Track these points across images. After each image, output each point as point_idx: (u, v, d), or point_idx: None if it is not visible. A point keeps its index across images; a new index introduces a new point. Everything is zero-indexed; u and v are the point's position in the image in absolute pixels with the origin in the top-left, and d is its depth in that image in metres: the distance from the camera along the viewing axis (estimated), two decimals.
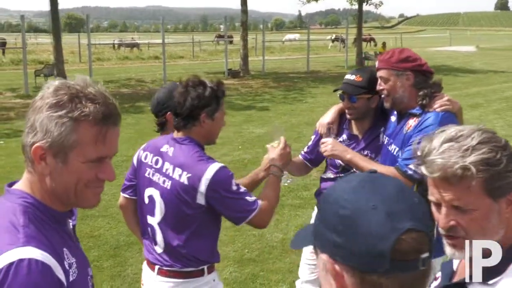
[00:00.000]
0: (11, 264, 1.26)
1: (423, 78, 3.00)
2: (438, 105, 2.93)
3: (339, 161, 3.41)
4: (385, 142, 3.23)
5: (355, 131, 3.42)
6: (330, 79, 22.56)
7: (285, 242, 5.85)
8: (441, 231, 1.48)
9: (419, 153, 1.47)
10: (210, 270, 2.77)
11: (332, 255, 1.03)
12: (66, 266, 1.38)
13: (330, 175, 3.52)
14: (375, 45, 43.48)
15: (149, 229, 2.79)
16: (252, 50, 32.79)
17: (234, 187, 2.62)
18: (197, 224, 2.66)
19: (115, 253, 5.56)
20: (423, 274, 1.03)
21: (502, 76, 24.08)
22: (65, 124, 1.37)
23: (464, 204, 1.43)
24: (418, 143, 1.50)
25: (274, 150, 2.98)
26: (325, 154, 3.17)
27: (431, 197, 1.48)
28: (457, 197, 1.42)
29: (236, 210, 2.63)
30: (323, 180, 3.62)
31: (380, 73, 3.08)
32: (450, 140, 1.42)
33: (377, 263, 0.98)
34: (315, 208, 3.75)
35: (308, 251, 3.68)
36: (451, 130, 1.45)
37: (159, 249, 2.76)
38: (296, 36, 58.65)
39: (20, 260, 1.27)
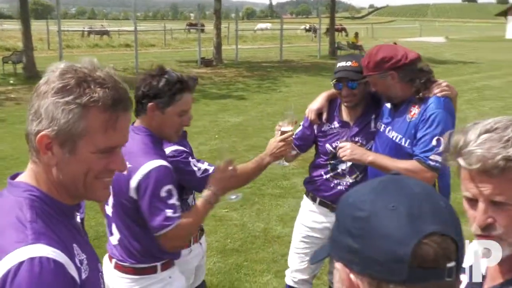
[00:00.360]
0: (21, 263, 1.16)
1: (408, 69, 2.95)
2: (439, 90, 2.92)
3: (330, 148, 3.40)
4: (381, 129, 3.20)
5: (346, 117, 3.40)
6: (303, 69, 22.55)
7: (267, 232, 5.83)
8: (475, 230, 1.40)
9: (452, 146, 1.38)
10: (165, 267, 2.66)
11: (348, 263, 0.96)
12: (78, 263, 1.29)
13: (320, 162, 3.50)
14: (346, 35, 43.60)
15: (106, 219, 2.72)
16: (224, 39, 32.53)
17: (163, 194, 2.42)
18: (139, 218, 2.52)
19: (95, 244, 5.40)
20: (449, 286, 0.92)
21: (471, 66, 24.44)
22: (73, 111, 1.27)
23: (505, 198, 1.34)
24: (449, 137, 1.42)
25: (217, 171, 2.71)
26: (344, 158, 3.12)
27: (465, 193, 1.40)
28: (497, 191, 1.33)
29: (152, 218, 2.43)
30: (313, 167, 3.59)
31: (367, 79, 3.11)
32: (487, 131, 1.34)
33: (395, 270, 0.89)
34: (304, 196, 3.72)
35: (297, 240, 3.65)
36: (487, 122, 1.37)
37: (114, 240, 2.67)
38: (268, 25, 58.58)
39: (31, 259, 1.17)
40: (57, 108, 1.27)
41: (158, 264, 2.64)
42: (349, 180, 3.40)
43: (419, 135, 2.89)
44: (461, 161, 1.35)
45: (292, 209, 6.56)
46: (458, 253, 0.92)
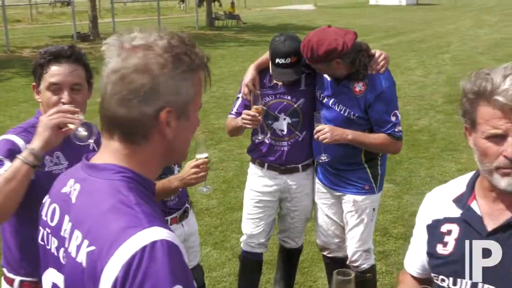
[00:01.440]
0: (144, 248, 1.09)
1: (350, 53, 3.13)
2: (379, 67, 3.20)
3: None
4: (324, 101, 3.36)
5: (276, 81, 3.49)
6: None
7: (195, 206, 5.75)
8: (503, 164, 1.51)
9: (479, 91, 1.52)
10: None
11: None
12: None
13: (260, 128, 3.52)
14: (220, 5, 43.56)
15: None
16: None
17: None
18: None
19: None
20: None
21: None
22: (187, 79, 1.26)
23: None
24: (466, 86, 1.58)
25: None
26: (325, 141, 3.19)
27: (492, 131, 1.51)
28: None
29: None
30: (255, 135, 3.60)
31: (313, 66, 3.31)
32: (510, 74, 1.49)
33: None
34: (250, 164, 3.73)
35: (250, 206, 3.68)
36: (500, 68, 1.53)
37: None
38: None
39: (153, 243, 1.10)
40: (175, 81, 1.24)
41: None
42: (290, 140, 3.51)
43: (376, 116, 3.22)
44: (500, 98, 1.48)
45: (213, 181, 6.57)
46: None
